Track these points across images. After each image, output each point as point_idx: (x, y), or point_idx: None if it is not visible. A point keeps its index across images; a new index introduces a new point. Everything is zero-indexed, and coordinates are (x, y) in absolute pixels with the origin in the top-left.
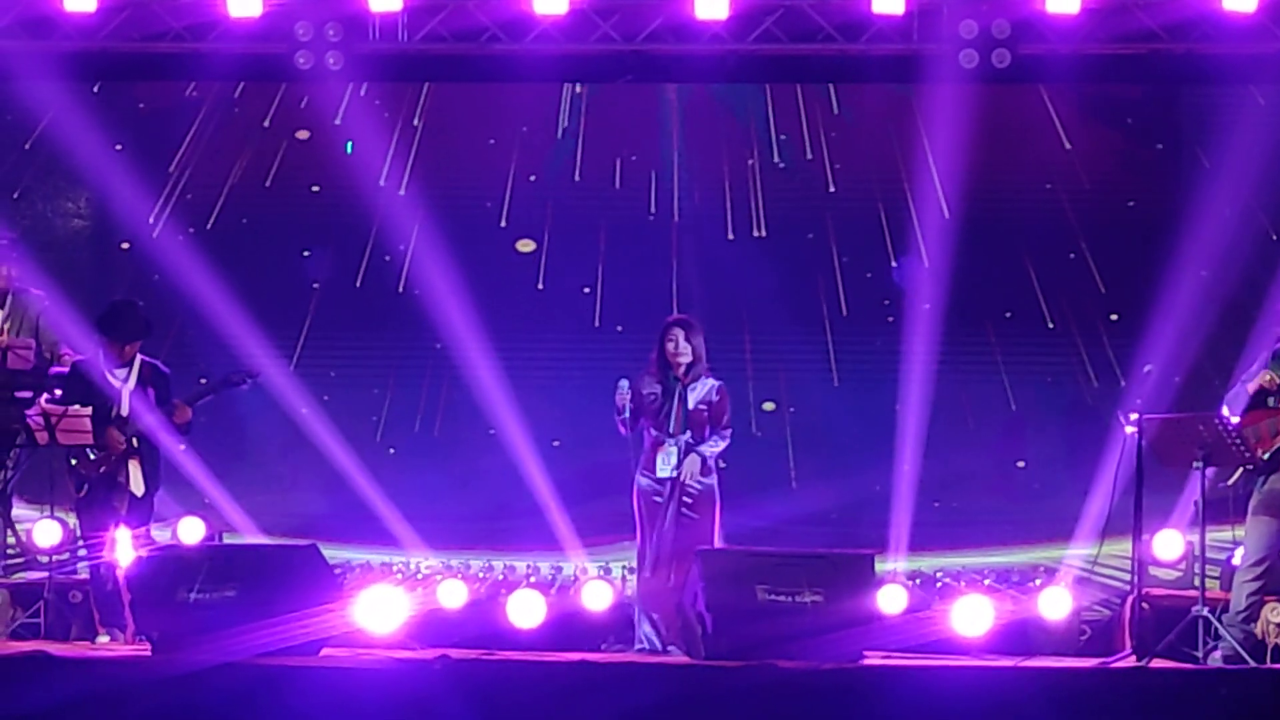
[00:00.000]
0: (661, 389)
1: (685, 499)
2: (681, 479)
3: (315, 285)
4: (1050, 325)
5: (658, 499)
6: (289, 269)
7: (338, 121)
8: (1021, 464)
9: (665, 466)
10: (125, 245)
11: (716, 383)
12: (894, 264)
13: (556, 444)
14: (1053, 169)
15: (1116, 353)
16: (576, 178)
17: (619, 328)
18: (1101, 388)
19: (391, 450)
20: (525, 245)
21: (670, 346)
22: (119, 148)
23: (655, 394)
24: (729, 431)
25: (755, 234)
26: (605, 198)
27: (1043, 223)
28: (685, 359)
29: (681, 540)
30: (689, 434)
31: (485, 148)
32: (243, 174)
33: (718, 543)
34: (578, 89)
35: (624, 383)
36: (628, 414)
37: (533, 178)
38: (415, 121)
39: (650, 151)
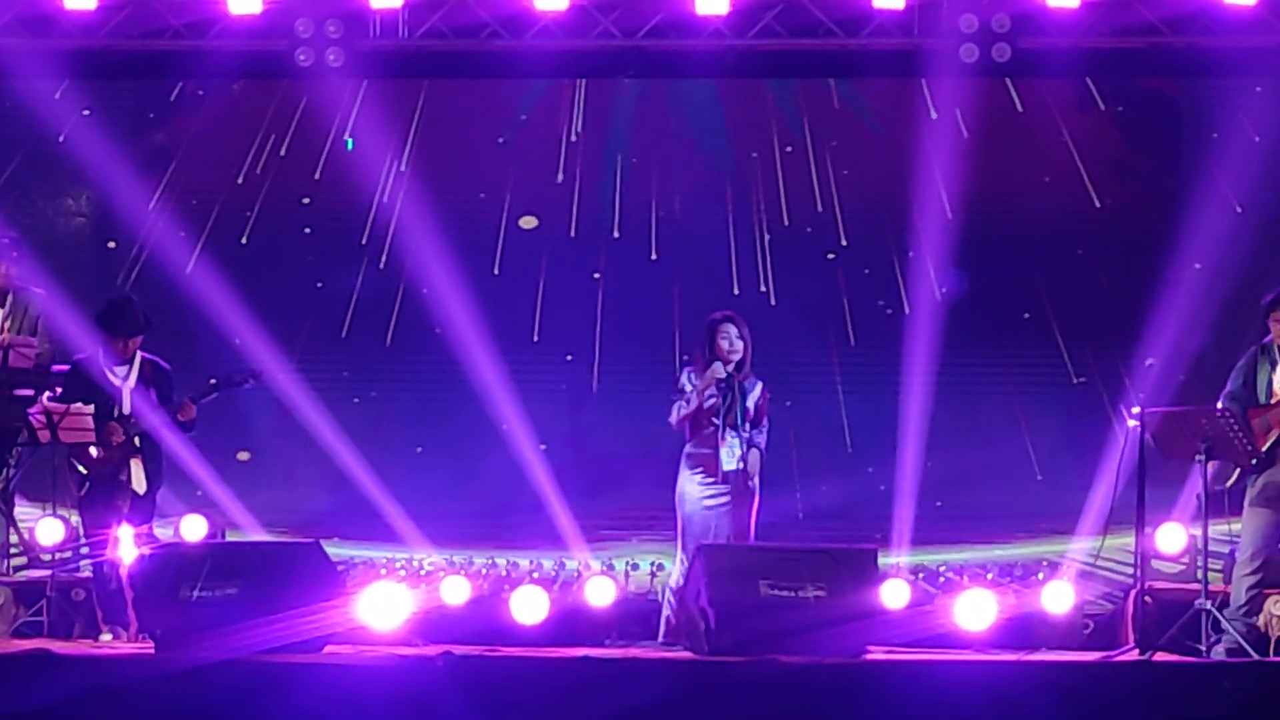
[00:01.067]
0: (723, 385)
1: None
2: (752, 475)
3: (319, 285)
4: (1052, 320)
5: (708, 501)
6: (293, 267)
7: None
8: (1017, 449)
9: (731, 460)
10: (111, 244)
11: (760, 381)
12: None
13: (544, 447)
14: (1053, 169)
15: (1119, 346)
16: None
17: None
18: (1103, 381)
19: (419, 449)
20: (527, 222)
21: (724, 343)
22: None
23: (715, 391)
24: (767, 427)
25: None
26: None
27: (1046, 222)
28: (739, 354)
29: (726, 533)
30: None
31: (491, 147)
32: (246, 174)
33: (753, 538)
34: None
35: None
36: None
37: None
38: (414, 119)
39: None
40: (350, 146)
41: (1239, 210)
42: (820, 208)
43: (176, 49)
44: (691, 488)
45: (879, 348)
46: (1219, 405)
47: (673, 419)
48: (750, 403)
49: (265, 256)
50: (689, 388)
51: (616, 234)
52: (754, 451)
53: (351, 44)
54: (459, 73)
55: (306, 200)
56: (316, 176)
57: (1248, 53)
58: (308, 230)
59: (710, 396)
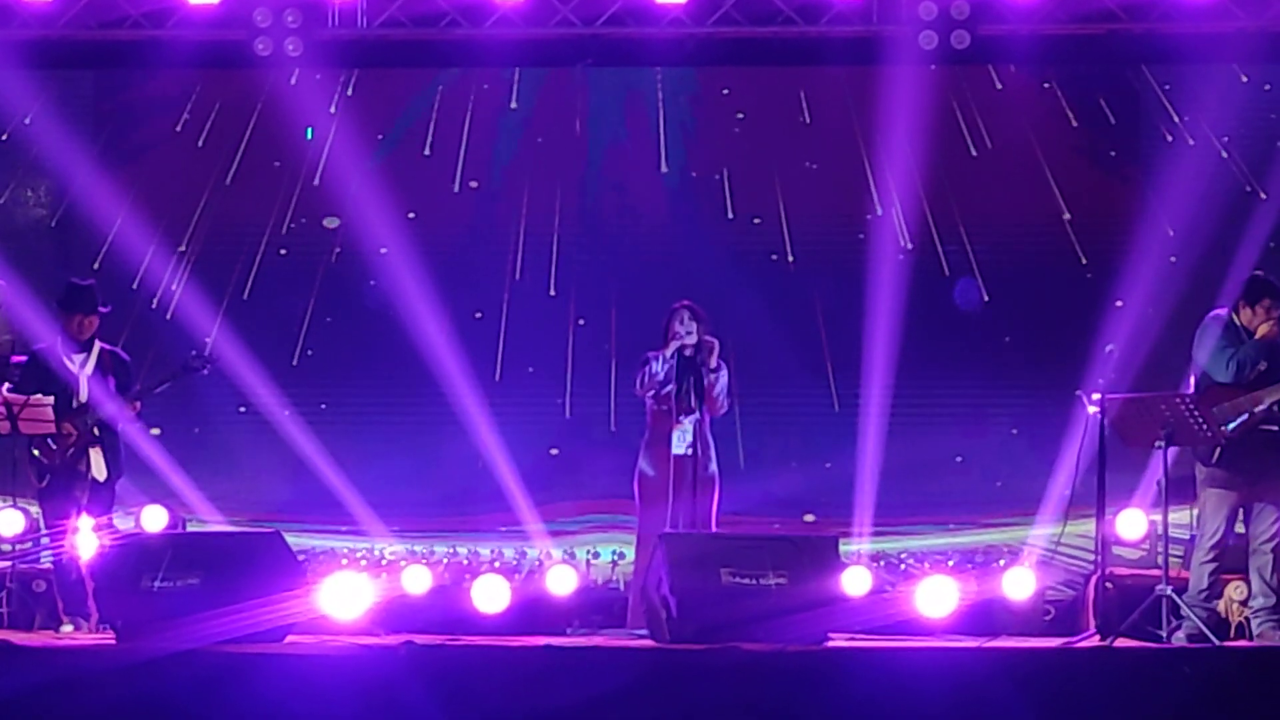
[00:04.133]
0: (677, 368)
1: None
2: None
3: (282, 252)
4: (1016, 305)
5: (663, 482)
6: (252, 257)
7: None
8: (977, 437)
9: (680, 444)
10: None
11: (721, 363)
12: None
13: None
14: (1016, 160)
15: (1074, 335)
16: None
17: (581, 321)
18: (1062, 367)
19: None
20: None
21: (676, 324)
22: (41, 102)
23: (670, 374)
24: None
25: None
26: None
27: (1014, 216)
28: (691, 339)
29: (685, 520)
30: (698, 413)
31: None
32: (207, 165)
33: (714, 526)
34: (540, 139)
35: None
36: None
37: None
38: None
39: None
40: (310, 136)
41: (1203, 199)
42: (783, 205)
43: (135, 39)
44: (647, 471)
45: (841, 333)
46: (1190, 380)
47: (637, 387)
48: (706, 387)
49: (224, 248)
50: (654, 365)
51: (580, 229)
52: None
53: (310, 33)
54: (418, 62)
55: (267, 191)
56: (277, 165)
57: (1207, 39)
58: (267, 221)
59: (665, 382)
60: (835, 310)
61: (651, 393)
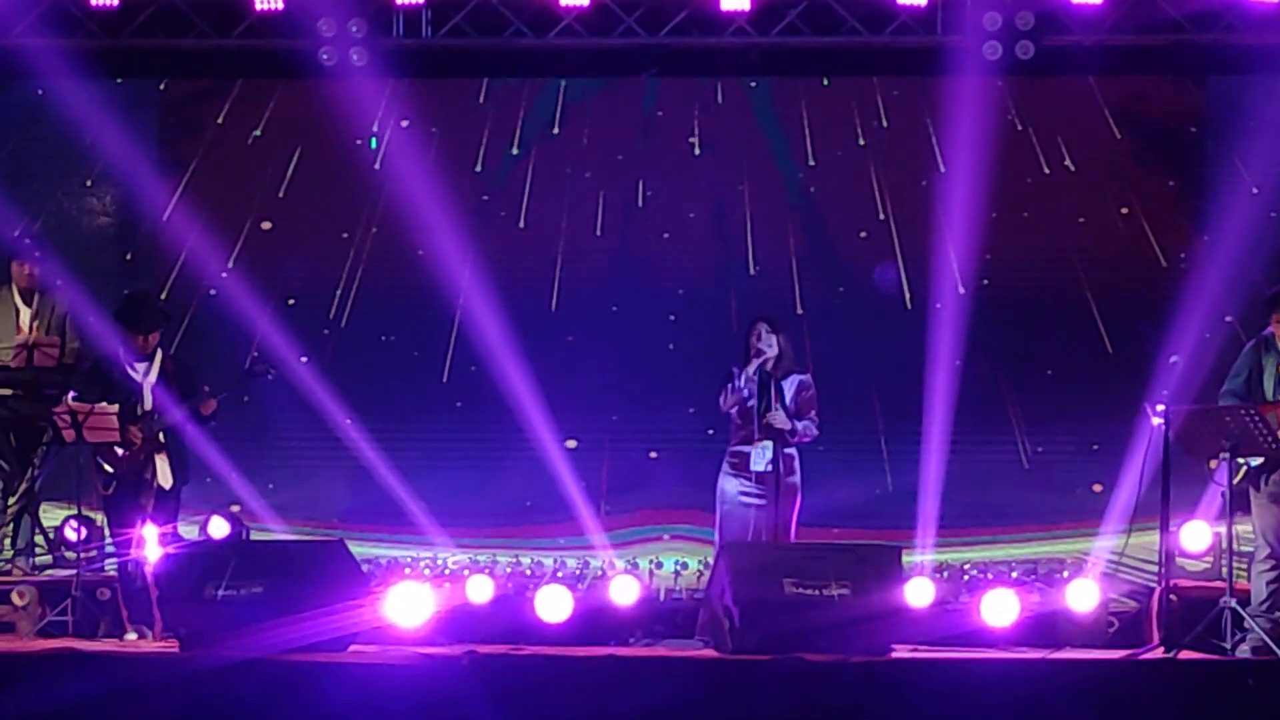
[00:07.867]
0: (758, 384)
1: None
2: (801, 433)
3: (345, 235)
4: (1080, 316)
5: (745, 498)
6: (317, 259)
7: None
8: (1041, 449)
9: (760, 461)
10: (129, 257)
11: (804, 377)
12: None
13: (574, 444)
14: (1083, 157)
15: (1143, 343)
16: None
17: (672, 316)
18: (1128, 378)
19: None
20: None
21: (754, 339)
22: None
23: (751, 390)
24: (817, 420)
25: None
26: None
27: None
28: (771, 352)
29: (766, 530)
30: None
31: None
32: (273, 170)
33: (793, 535)
34: (585, 139)
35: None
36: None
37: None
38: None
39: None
40: (374, 145)
41: (1265, 209)
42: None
43: (200, 48)
44: (729, 485)
45: (903, 343)
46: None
47: (721, 402)
48: (788, 402)
49: (287, 256)
50: (737, 381)
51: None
52: (806, 423)
53: (374, 43)
54: (482, 71)
55: (332, 201)
56: (340, 175)
57: (1272, 50)
58: (332, 228)
59: (749, 397)
60: (899, 321)
61: (735, 408)
